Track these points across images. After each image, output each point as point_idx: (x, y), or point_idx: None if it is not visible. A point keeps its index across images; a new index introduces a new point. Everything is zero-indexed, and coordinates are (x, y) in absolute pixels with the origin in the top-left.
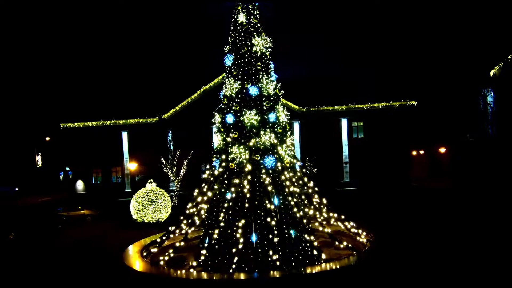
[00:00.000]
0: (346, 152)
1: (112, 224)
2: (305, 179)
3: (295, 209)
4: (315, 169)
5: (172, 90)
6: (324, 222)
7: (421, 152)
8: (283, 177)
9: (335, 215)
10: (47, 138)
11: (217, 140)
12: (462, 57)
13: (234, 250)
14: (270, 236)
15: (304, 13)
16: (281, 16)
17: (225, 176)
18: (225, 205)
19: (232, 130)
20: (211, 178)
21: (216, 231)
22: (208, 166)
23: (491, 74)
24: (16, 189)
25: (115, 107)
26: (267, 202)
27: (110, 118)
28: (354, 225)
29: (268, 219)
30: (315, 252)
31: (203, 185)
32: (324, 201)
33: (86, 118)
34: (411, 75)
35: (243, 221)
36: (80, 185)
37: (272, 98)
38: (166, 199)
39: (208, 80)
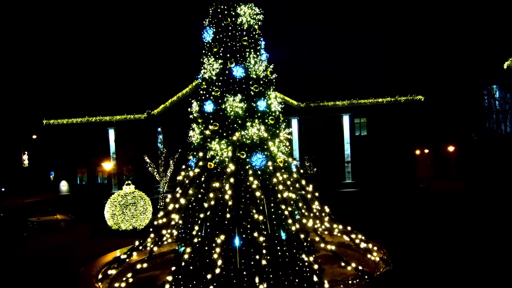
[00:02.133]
0: (348, 150)
1: (85, 231)
2: (303, 182)
3: (289, 221)
4: (315, 169)
5: (161, 86)
6: (326, 232)
7: (426, 150)
8: (275, 180)
9: (340, 226)
10: (34, 137)
11: (194, 134)
12: (468, 53)
13: (209, 276)
14: (257, 256)
15: (306, 4)
16: (282, 7)
17: (203, 178)
18: (201, 215)
19: (212, 121)
20: (186, 181)
21: (188, 249)
22: (183, 166)
23: (505, 66)
24: (3, 189)
25: (102, 103)
26: (254, 211)
27: (96, 114)
28: (363, 238)
29: (255, 234)
30: (315, 278)
31: (177, 189)
32: (327, 209)
33: (71, 114)
34: (418, 70)
35: (222, 237)
36: (64, 185)
37: (261, 82)
38: (146, 202)
39: (199, 74)
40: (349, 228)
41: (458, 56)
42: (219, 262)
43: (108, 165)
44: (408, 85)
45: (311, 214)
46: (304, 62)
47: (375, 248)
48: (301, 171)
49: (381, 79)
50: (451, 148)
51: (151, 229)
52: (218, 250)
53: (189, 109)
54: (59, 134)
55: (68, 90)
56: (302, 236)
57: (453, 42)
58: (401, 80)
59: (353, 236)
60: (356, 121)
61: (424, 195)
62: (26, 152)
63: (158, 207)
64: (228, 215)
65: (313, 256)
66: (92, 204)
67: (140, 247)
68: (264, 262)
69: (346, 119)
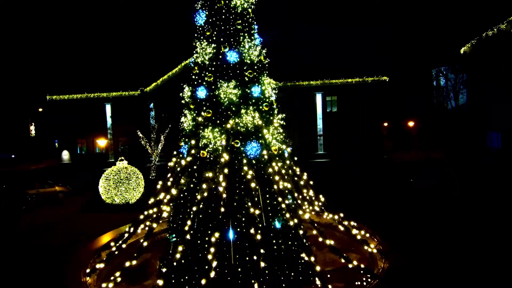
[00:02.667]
0: (320, 125)
1: (81, 203)
2: (297, 170)
3: (287, 215)
4: (290, 140)
5: (154, 64)
6: (313, 213)
7: (390, 126)
8: (270, 170)
9: (336, 216)
10: (40, 109)
11: (185, 120)
12: (426, 39)
13: (203, 281)
14: (255, 257)
15: None
16: None
17: (195, 167)
18: (194, 208)
19: (205, 108)
20: (178, 169)
21: (180, 248)
22: (174, 152)
23: (461, 51)
24: (13, 156)
25: (99, 80)
26: (249, 204)
27: (94, 91)
28: (355, 224)
29: (252, 231)
30: (317, 282)
31: (168, 175)
32: (322, 198)
33: (71, 90)
34: (384, 53)
35: (217, 235)
36: (65, 155)
37: (256, 67)
38: (139, 177)
39: (190, 54)
40: (341, 214)
41: (418, 42)
42: (214, 264)
43: (102, 142)
44: (375, 67)
45: (305, 202)
46: (281, 44)
47: (367, 235)
48: (295, 158)
49: (351, 61)
50: (411, 123)
51: (141, 217)
52: (212, 250)
53: (180, 94)
54: (61, 108)
55: (69, 69)
56: (301, 232)
57: (413, 29)
58: (369, 62)
59: (345, 222)
60: (328, 99)
61: (388, 164)
62: (33, 123)
63: (150, 177)
64: (222, 209)
65: (313, 256)
66: (91, 171)
67: (129, 236)
68: (262, 264)
69: (319, 97)
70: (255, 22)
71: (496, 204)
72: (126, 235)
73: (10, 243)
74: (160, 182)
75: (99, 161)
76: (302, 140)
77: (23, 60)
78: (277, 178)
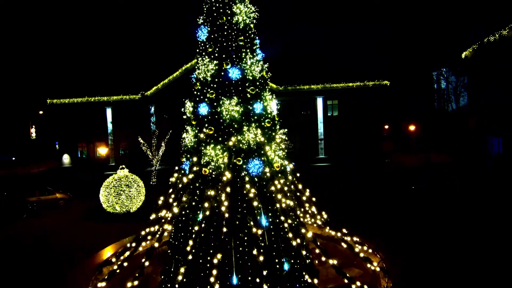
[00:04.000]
0: (321, 129)
1: (81, 211)
2: (300, 186)
3: (290, 234)
4: (292, 145)
5: (154, 68)
6: (315, 224)
7: (390, 129)
8: (273, 188)
9: (338, 234)
10: (40, 112)
11: (187, 136)
12: (426, 43)
13: None
14: (257, 279)
15: None
16: None
17: (197, 185)
18: (196, 227)
19: (207, 125)
20: (179, 185)
21: (182, 270)
22: (176, 168)
23: (463, 56)
24: (13, 158)
25: (100, 84)
26: (252, 223)
27: (94, 95)
28: (358, 240)
29: (255, 252)
30: None
31: (170, 191)
32: (324, 215)
33: (72, 94)
34: (384, 56)
35: (219, 256)
36: (66, 158)
37: (258, 83)
38: (140, 185)
39: (190, 58)
40: (344, 231)
41: (419, 44)
42: (216, 287)
43: (103, 150)
44: (376, 70)
45: (307, 215)
46: (283, 48)
47: (370, 250)
48: (297, 175)
49: (352, 65)
50: (411, 126)
51: (143, 233)
52: (214, 272)
53: (182, 109)
54: (62, 112)
55: (70, 73)
56: (304, 252)
57: (414, 31)
58: (370, 66)
59: (348, 238)
60: (329, 103)
61: (388, 169)
62: (33, 126)
63: (151, 183)
64: (224, 229)
65: (316, 277)
66: (91, 175)
67: (129, 254)
68: (265, 286)
69: (319, 101)
70: (257, 37)
71: (499, 216)
72: (128, 252)
73: (5, 256)
74: (162, 198)
75: (99, 165)
76: (303, 144)
77: (25, 63)
78: (279, 196)
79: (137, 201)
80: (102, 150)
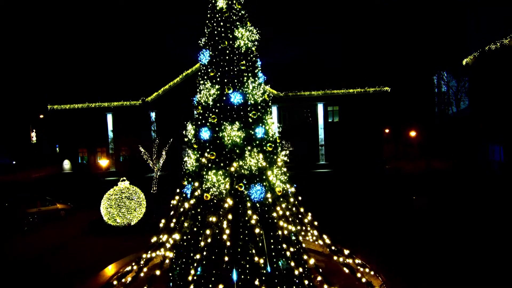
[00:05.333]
0: (322, 135)
1: (82, 223)
2: (302, 209)
3: (292, 263)
4: (291, 150)
5: (155, 74)
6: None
7: (391, 134)
8: (275, 214)
9: (341, 259)
10: (41, 116)
11: (189, 160)
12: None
13: None
14: None
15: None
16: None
17: (198, 210)
18: (197, 256)
19: (208, 150)
20: (181, 209)
21: None
22: (178, 190)
23: (464, 63)
24: (14, 162)
25: (100, 90)
26: (254, 251)
27: (95, 101)
28: (359, 262)
29: (257, 282)
30: None
31: (171, 213)
32: (327, 240)
33: (73, 100)
34: (385, 61)
35: (221, 287)
36: (66, 164)
37: (259, 107)
38: (140, 196)
39: (190, 65)
40: (346, 251)
41: (419, 49)
42: None
43: (104, 162)
44: (376, 76)
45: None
46: (284, 54)
47: (372, 272)
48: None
49: (353, 72)
50: (412, 131)
51: (145, 256)
52: None
53: (184, 131)
54: (63, 117)
55: (71, 78)
56: (306, 282)
57: (414, 34)
58: (371, 72)
59: (350, 261)
60: (330, 109)
61: (389, 176)
62: (34, 130)
63: (151, 191)
64: (226, 258)
65: None
66: (91, 181)
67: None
68: None
69: (320, 107)
70: (258, 59)
71: (503, 232)
72: (129, 278)
73: (5, 274)
74: (163, 221)
75: (100, 171)
76: (303, 150)
77: (26, 67)
78: (281, 223)
79: (138, 213)
80: (103, 162)
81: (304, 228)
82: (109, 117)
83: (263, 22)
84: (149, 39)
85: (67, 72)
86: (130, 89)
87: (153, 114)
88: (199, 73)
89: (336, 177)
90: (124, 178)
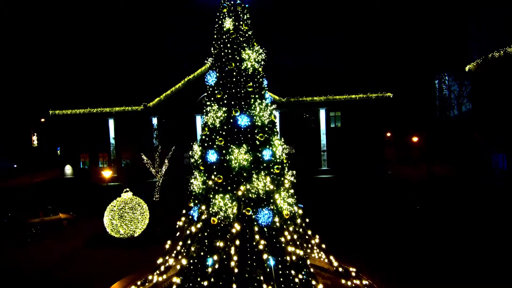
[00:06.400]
0: (324, 140)
1: (85, 234)
2: (309, 232)
3: None
4: (293, 151)
5: (157, 79)
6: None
7: (392, 137)
8: (283, 239)
9: (349, 282)
10: (42, 120)
11: (194, 181)
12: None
13: None
14: None
15: (287, 5)
16: (265, 6)
17: (205, 234)
18: (205, 283)
19: (215, 173)
20: (187, 232)
21: None
22: (183, 211)
23: (466, 69)
24: (15, 166)
25: (102, 95)
26: (262, 277)
27: (97, 106)
28: (367, 283)
29: None
30: None
31: (177, 235)
32: (334, 262)
33: (74, 105)
34: (386, 66)
35: None
36: (68, 169)
37: (267, 128)
38: (144, 208)
39: (192, 70)
40: (353, 270)
41: (419, 52)
42: None
43: (107, 173)
44: (378, 81)
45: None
46: (286, 60)
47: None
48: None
49: (355, 76)
50: (413, 134)
51: (151, 278)
52: None
53: (190, 152)
54: (64, 122)
55: (72, 84)
56: None
57: (414, 41)
58: (373, 78)
59: (357, 282)
60: (332, 114)
61: (392, 182)
62: (35, 134)
63: (154, 199)
64: (234, 286)
65: None
66: (93, 188)
67: None
68: None
69: (322, 112)
70: (265, 80)
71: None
72: None
73: None
74: (169, 242)
75: (101, 176)
76: (305, 156)
77: (28, 71)
78: (290, 249)
79: (141, 225)
80: (106, 173)
81: (311, 248)
82: (111, 123)
83: (264, 24)
84: (150, 44)
85: (68, 77)
86: (131, 94)
87: (154, 119)
88: (206, 94)
89: (338, 183)
90: (127, 189)
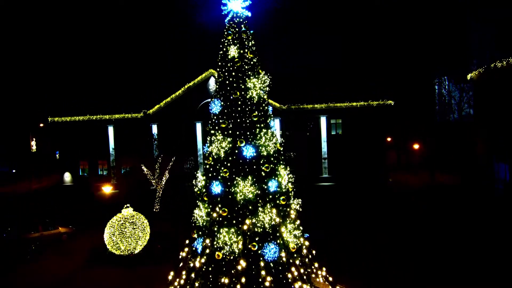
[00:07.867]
0: (325, 148)
1: (85, 251)
2: (316, 264)
3: None
4: (294, 158)
5: (156, 87)
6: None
7: (393, 142)
8: (289, 275)
9: None
10: (41, 125)
11: (198, 211)
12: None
13: None
14: None
15: (287, 10)
16: (266, 13)
17: (210, 269)
18: None
19: (220, 205)
20: (191, 265)
21: None
22: (187, 242)
23: (468, 77)
24: (13, 171)
25: (101, 102)
26: None
27: (96, 113)
28: None
29: None
30: None
31: (180, 265)
32: None
33: (73, 112)
34: (388, 74)
35: None
36: (67, 177)
37: (272, 158)
38: (144, 223)
39: (192, 77)
40: None
41: (419, 55)
42: None
43: (108, 189)
44: (379, 89)
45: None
46: (286, 67)
47: None
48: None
49: (356, 83)
50: (414, 139)
51: None
52: None
53: (194, 181)
54: (63, 129)
55: (71, 91)
56: None
57: (414, 44)
58: (374, 85)
59: None
60: (332, 122)
61: (393, 190)
62: (34, 139)
63: (154, 210)
64: None
65: None
66: (92, 197)
67: None
68: None
69: (323, 120)
70: (270, 108)
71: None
72: None
73: None
74: (172, 273)
75: (101, 183)
76: (306, 163)
77: (27, 77)
78: (297, 285)
79: (142, 241)
80: (107, 189)
81: (315, 272)
82: (110, 130)
83: (264, 28)
84: (150, 51)
85: (67, 83)
86: (131, 102)
87: (154, 127)
88: (210, 122)
89: (339, 191)
90: (128, 205)
